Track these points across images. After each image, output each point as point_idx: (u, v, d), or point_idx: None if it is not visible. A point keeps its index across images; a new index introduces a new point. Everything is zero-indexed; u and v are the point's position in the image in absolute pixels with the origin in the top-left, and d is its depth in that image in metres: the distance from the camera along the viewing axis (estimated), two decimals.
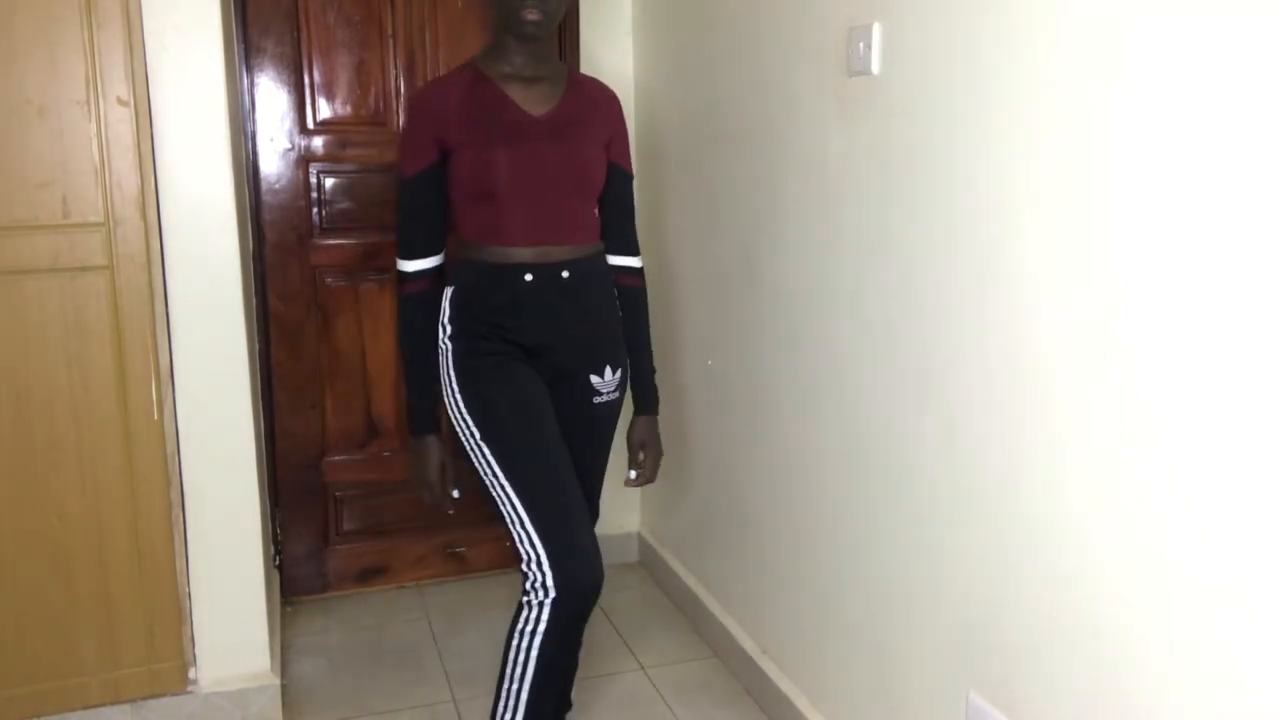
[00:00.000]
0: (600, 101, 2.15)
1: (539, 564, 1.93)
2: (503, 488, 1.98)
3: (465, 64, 2.11)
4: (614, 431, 2.25)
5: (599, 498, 2.29)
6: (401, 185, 2.08)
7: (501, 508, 1.98)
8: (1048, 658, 1.64)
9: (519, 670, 1.98)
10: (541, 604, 1.94)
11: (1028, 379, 1.63)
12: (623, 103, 2.23)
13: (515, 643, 1.98)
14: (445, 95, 2.04)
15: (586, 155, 2.07)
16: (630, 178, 2.22)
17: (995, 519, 1.74)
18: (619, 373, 2.18)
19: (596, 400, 2.16)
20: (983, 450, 1.75)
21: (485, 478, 2.01)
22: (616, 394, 2.20)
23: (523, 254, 2.04)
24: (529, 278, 2.03)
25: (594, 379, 2.14)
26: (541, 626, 1.95)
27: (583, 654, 2.38)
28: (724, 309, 2.73)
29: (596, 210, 2.14)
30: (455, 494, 2.17)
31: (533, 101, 2.05)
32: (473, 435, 2.02)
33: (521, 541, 1.96)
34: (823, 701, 2.37)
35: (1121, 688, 1.49)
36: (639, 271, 2.24)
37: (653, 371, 2.27)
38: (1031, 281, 1.60)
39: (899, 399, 1.98)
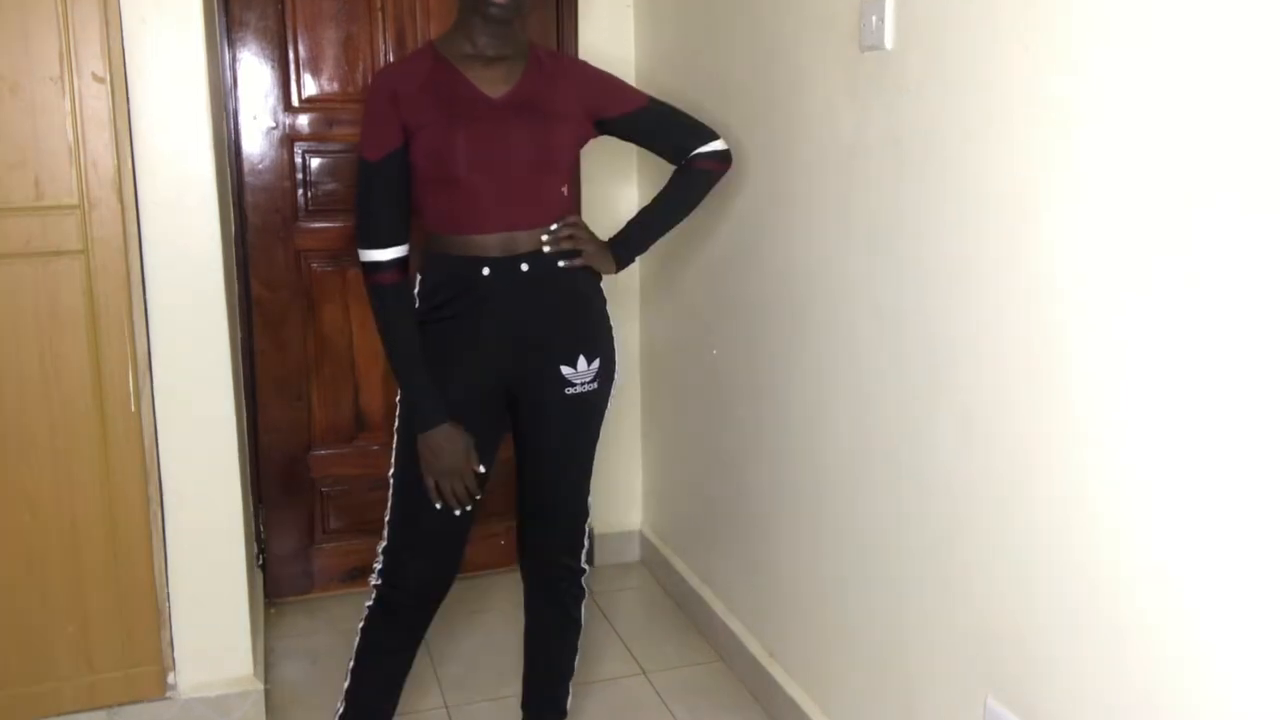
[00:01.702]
0: (559, 74, 2.12)
1: (382, 550, 2.13)
2: (392, 475, 2.11)
3: (423, 46, 2.11)
4: (594, 425, 2.21)
5: (585, 494, 2.23)
6: (365, 170, 2.01)
7: (389, 489, 2.13)
8: (1068, 661, 1.62)
9: (354, 646, 2.21)
10: (376, 587, 2.14)
11: (1045, 370, 1.62)
12: (624, 82, 2.23)
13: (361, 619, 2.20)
14: (405, 77, 2.03)
15: (549, 133, 2.05)
16: (645, 104, 2.21)
17: (1012, 516, 1.73)
18: (595, 363, 2.14)
19: (569, 391, 2.12)
20: (999, 445, 1.74)
21: (391, 458, 2.12)
22: (594, 385, 2.15)
23: (485, 242, 2.02)
24: (486, 272, 2.03)
25: (565, 370, 2.11)
26: (368, 604, 2.16)
27: (580, 659, 2.37)
28: (729, 296, 2.73)
29: (565, 189, 2.13)
30: (481, 469, 2.07)
31: (491, 82, 2.04)
32: (397, 419, 2.11)
33: (385, 526, 2.14)
34: (832, 707, 2.36)
35: (1145, 691, 1.48)
36: (712, 155, 2.25)
37: (647, 227, 2.28)
38: (1049, 269, 1.59)
39: (911, 390, 1.98)
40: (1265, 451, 1.26)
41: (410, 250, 2.05)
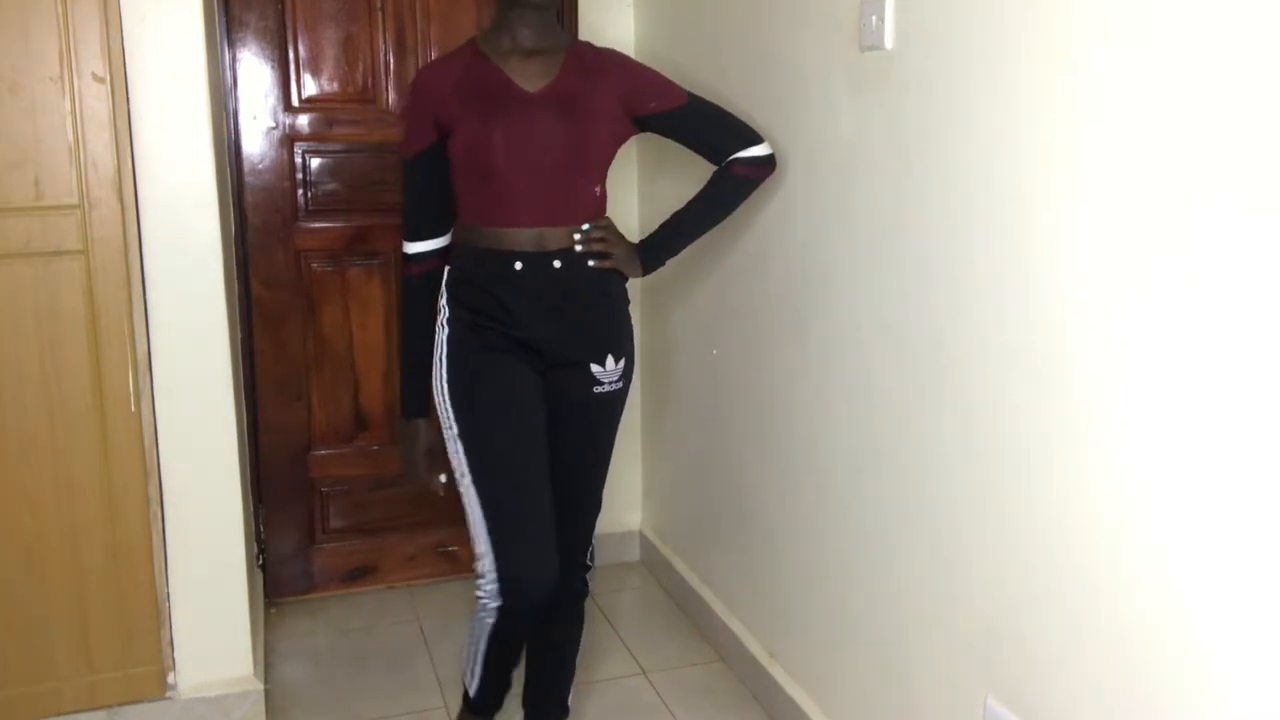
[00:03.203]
0: (598, 69, 2.10)
1: (487, 565, 2.07)
2: (467, 481, 2.07)
3: (466, 42, 2.12)
4: (616, 423, 2.22)
5: (600, 491, 2.26)
6: (404, 166, 2.12)
7: (464, 499, 2.09)
8: (1069, 661, 1.61)
9: (474, 649, 2.20)
10: (485, 603, 2.09)
11: (1047, 371, 1.61)
12: (666, 78, 2.21)
13: (475, 619, 2.16)
14: (443, 74, 2.07)
15: (584, 130, 2.04)
16: (684, 101, 2.17)
17: (1014, 516, 1.71)
18: (622, 362, 2.16)
19: (596, 390, 2.13)
20: (999, 445, 1.73)
21: (455, 468, 2.10)
22: (620, 384, 2.17)
23: (517, 237, 2.04)
24: (519, 266, 2.04)
25: (594, 368, 2.11)
26: (490, 620, 2.10)
27: (581, 657, 2.37)
28: (729, 295, 2.71)
29: (598, 188, 2.12)
30: (443, 478, 2.19)
31: (529, 77, 2.04)
32: (450, 423, 2.09)
33: (475, 539, 2.08)
34: (833, 708, 2.34)
35: (1146, 693, 1.46)
36: (752, 160, 2.21)
37: (678, 232, 2.26)
38: (1051, 269, 1.58)
39: (913, 391, 1.96)
40: (1265, 451, 1.25)
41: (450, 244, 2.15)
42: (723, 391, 2.79)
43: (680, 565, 3.16)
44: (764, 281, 2.50)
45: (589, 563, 2.26)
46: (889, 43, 1.92)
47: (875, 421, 2.09)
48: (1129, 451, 1.45)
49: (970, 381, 1.78)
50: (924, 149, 1.86)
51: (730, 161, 2.19)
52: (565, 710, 2.36)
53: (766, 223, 2.46)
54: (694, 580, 3.06)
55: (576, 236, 2.07)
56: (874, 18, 1.94)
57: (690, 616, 3.06)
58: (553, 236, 2.05)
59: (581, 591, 2.27)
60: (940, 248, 1.84)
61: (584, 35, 3.09)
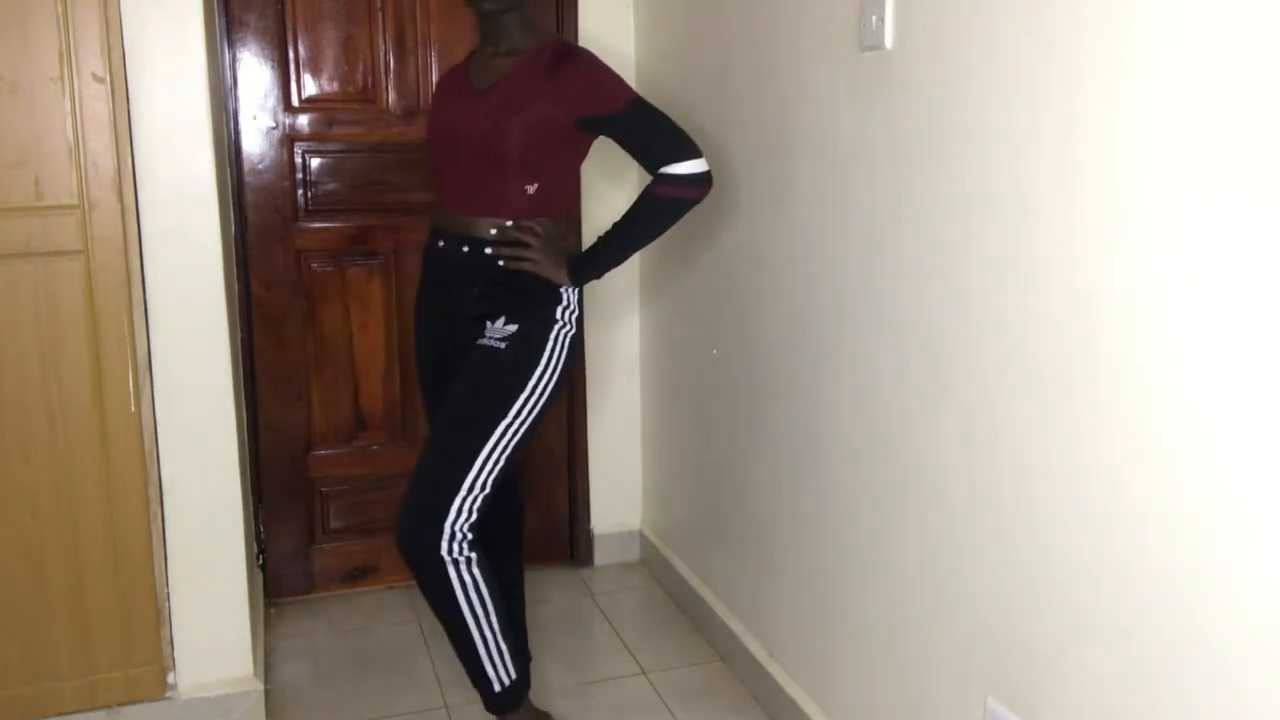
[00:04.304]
0: (551, 71, 2.10)
1: None
2: None
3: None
4: (492, 385, 2.14)
5: (456, 444, 2.13)
6: None
7: None
8: (1071, 661, 1.60)
9: None
10: None
11: (1046, 370, 1.60)
12: (616, 81, 2.15)
13: None
14: (447, 74, 2.34)
15: (510, 129, 2.10)
16: (620, 109, 2.10)
17: (1014, 515, 1.71)
18: (512, 328, 2.16)
19: (479, 341, 2.19)
20: (999, 445, 1.73)
21: None
22: (502, 346, 2.15)
23: (447, 220, 2.24)
24: (441, 244, 2.25)
25: (487, 324, 2.19)
26: None
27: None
28: (729, 295, 2.71)
29: (530, 188, 2.16)
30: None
31: (483, 75, 2.19)
32: None
33: None
34: (833, 708, 2.34)
35: (1150, 693, 1.45)
36: (679, 178, 2.11)
37: (610, 247, 2.19)
38: (1049, 269, 1.57)
39: (912, 390, 1.95)
40: (1266, 452, 1.24)
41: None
42: (722, 392, 2.78)
43: (680, 565, 3.15)
44: (763, 281, 2.49)
45: (441, 551, 2.09)
46: (889, 43, 1.92)
47: (875, 421, 2.08)
48: (1131, 449, 1.44)
49: (969, 381, 1.78)
50: (923, 149, 1.85)
51: (657, 178, 2.12)
52: (479, 690, 2.28)
53: (766, 222, 2.45)
54: (694, 580, 3.05)
55: (493, 232, 2.16)
56: (874, 18, 1.94)
57: (690, 616, 3.05)
58: (475, 225, 2.18)
59: (427, 544, 2.09)
60: (938, 246, 1.83)
61: (583, 37, 3.10)
